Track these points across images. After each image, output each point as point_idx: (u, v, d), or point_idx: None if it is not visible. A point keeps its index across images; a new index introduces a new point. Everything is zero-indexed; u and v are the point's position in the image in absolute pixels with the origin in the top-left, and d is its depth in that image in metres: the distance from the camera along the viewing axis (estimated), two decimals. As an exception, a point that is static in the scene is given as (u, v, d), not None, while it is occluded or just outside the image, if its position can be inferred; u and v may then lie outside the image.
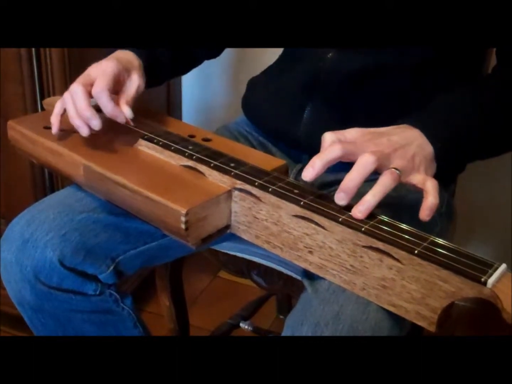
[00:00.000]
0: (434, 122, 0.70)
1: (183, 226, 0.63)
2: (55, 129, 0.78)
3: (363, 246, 0.58)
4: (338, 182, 0.62)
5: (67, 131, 0.79)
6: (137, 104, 0.81)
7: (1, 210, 1.28)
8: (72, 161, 0.75)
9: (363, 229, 0.58)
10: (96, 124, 0.74)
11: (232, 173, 0.68)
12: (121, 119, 0.76)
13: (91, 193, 0.78)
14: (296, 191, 0.64)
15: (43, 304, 0.79)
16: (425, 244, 0.56)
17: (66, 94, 0.76)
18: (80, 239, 0.76)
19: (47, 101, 0.96)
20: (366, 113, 0.84)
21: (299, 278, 0.84)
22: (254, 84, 0.99)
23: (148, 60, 0.84)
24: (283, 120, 0.89)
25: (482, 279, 0.52)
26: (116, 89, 0.77)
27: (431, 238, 0.57)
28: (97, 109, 0.76)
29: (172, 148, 0.74)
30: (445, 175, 0.75)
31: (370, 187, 0.60)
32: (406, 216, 0.64)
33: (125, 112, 0.77)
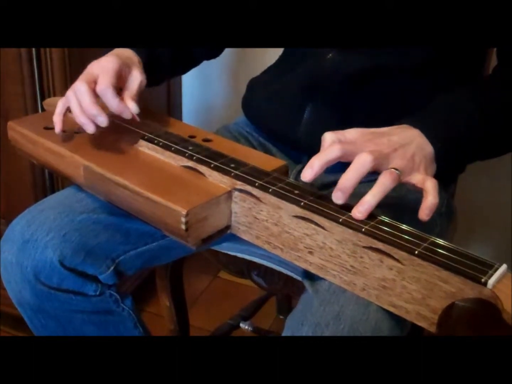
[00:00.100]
0: (434, 122, 0.70)
1: (183, 226, 0.63)
2: (58, 128, 0.78)
3: (364, 247, 0.58)
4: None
5: (68, 132, 0.79)
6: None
7: (1, 211, 1.28)
8: (72, 161, 0.75)
9: (363, 229, 0.58)
10: (103, 120, 0.73)
11: (232, 174, 0.68)
12: (127, 115, 0.76)
13: (92, 194, 0.78)
14: (296, 191, 0.64)
15: (43, 304, 0.79)
16: (425, 244, 0.56)
17: (69, 93, 0.76)
18: (80, 239, 0.76)
19: (47, 101, 0.97)
20: (366, 114, 0.84)
21: (299, 278, 0.84)
22: (254, 84, 0.99)
23: (147, 59, 0.84)
24: (283, 121, 0.89)
25: (483, 280, 0.52)
26: (118, 85, 0.77)
27: (432, 239, 0.57)
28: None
29: (173, 148, 0.74)
30: (445, 175, 0.75)
31: (370, 187, 0.60)
32: (406, 216, 0.64)
33: (131, 107, 0.76)
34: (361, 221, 0.59)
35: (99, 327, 0.84)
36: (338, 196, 0.60)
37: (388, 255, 0.57)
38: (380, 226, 0.58)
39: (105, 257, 0.78)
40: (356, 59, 0.82)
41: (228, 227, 0.69)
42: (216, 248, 0.93)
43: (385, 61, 0.81)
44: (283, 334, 0.67)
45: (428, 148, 0.67)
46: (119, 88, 0.78)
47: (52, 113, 0.79)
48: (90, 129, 0.74)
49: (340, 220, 0.59)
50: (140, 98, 0.80)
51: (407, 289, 0.57)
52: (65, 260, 0.75)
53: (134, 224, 0.79)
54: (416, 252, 0.55)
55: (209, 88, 1.56)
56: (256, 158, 0.74)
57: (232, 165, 0.69)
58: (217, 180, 0.69)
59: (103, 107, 0.75)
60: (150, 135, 0.77)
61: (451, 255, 0.55)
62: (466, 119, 0.71)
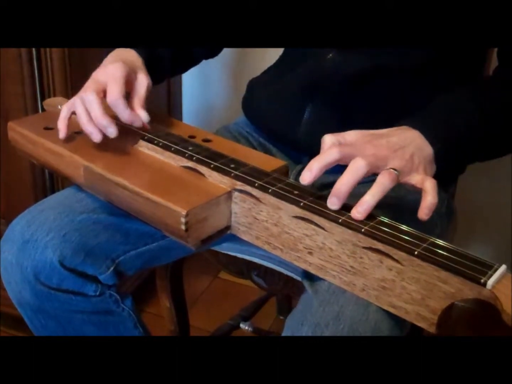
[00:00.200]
0: (434, 122, 0.70)
1: (183, 227, 0.63)
2: (62, 134, 0.77)
3: (363, 247, 0.58)
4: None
5: (69, 133, 0.79)
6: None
7: (1, 211, 1.29)
8: (72, 162, 0.75)
9: (363, 230, 0.58)
10: (113, 131, 0.73)
11: (232, 174, 0.68)
12: (138, 124, 0.76)
13: (91, 194, 0.78)
14: (296, 192, 0.64)
15: (43, 304, 0.79)
16: (425, 245, 0.56)
17: (77, 100, 0.75)
18: (80, 239, 0.76)
19: (47, 101, 0.96)
20: (366, 114, 0.84)
21: (299, 279, 0.84)
22: (254, 84, 0.99)
23: (148, 58, 0.84)
24: (283, 121, 0.89)
25: (482, 280, 0.52)
26: (126, 90, 0.77)
27: (431, 239, 0.57)
28: None
29: (172, 149, 0.74)
30: (445, 175, 0.75)
31: (369, 188, 0.60)
32: (405, 217, 0.64)
33: (142, 116, 0.76)
34: (360, 222, 0.59)
35: (99, 328, 0.84)
36: (333, 202, 0.60)
37: (388, 256, 0.57)
38: (379, 226, 0.58)
39: (105, 258, 0.78)
40: (356, 59, 0.82)
41: (228, 227, 0.69)
42: (216, 248, 0.93)
43: (385, 61, 0.81)
44: (283, 335, 0.68)
45: (428, 149, 0.67)
46: (127, 93, 0.78)
47: (52, 113, 0.79)
48: (97, 138, 0.74)
49: (340, 220, 0.59)
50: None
51: (406, 290, 0.57)
52: (65, 260, 0.75)
53: (134, 224, 0.79)
54: (416, 252, 0.55)
55: (209, 88, 1.56)
56: (256, 158, 0.74)
57: (232, 166, 0.69)
58: (217, 180, 0.69)
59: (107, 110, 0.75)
60: (150, 136, 0.77)
61: (451, 256, 0.55)
62: (466, 119, 0.71)
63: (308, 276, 0.70)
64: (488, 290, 0.52)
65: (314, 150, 0.65)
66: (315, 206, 0.61)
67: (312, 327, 0.64)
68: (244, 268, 0.94)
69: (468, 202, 1.32)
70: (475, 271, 0.53)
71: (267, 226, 0.66)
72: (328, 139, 0.64)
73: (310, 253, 0.63)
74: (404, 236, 0.57)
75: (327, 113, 0.85)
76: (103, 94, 0.75)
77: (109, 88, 0.74)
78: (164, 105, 1.50)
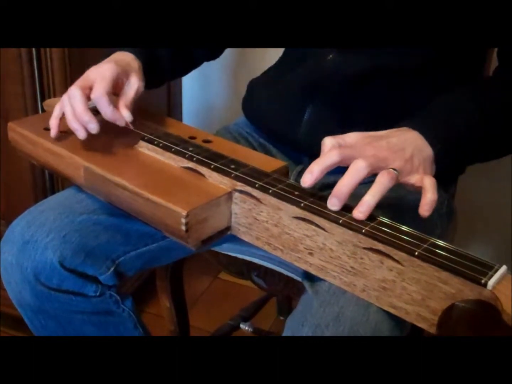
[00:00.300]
0: (434, 123, 0.70)
1: (183, 227, 0.63)
2: (53, 132, 0.78)
3: (364, 248, 0.58)
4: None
5: (68, 133, 0.79)
6: (137, 106, 0.81)
7: (1, 211, 1.28)
8: (72, 162, 0.75)
9: (363, 230, 0.58)
10: (93, 127, 0.74)
11: (233, 175, 0.68)
12: (120, 123, 0.77)
13: (92, 195, 0.78)
14: (296, 192, 0.64)
15: (43, 305, 0.79)
16: (425, 245, 0.56)
17: (64, 97, 0.76)
18: (80, 240, 0.76)
19: (47, 102, 0.97)
20: (367, 114, 0.84)
21: (299, 279, 0.84)
22: (254, 85, 0.99)
23: (147, 61, 0.84)
24: (283, 122, 0.89)
25: (482, 281, 0.52)
26: (115, 91, 0.77)
27: (432, 240, 0.57)
28: (96, 111, 0.76)
29: (173, 149, 0.74)
30: (445, 176, 0.75)
31: (369, 188, 0.60)
32: (406, 217, 0.64)
33: (125, 115, 0.77)
34: (361, 222, 0.59)
35: (99, 328, 0.84)
36: (333, 203, 0.60)
37: (388, 256, 0.57)
38: (380, 227, 0.58)
39: (105, 258, 0.78)
40: (356, 59, 0.82)
41: (228, 228, 0.69)
42: (217, 249, 0.93)
43: (385, 62, 0.81)
44: (283, 335, 0.67)
45: (428, 150, 0.67)
46: (116, 95, 0.78)
47: (52, 114, 0.79)
48: (81, 135, 0.75)
49: (340, 221, 0.59)
50: (138, 102, 0.80)
51: (407, 290, 0.57)
52: (65, 261, 0.75)
53: (134, 225, 0.79)
54: (416, 253, 0.55)
55: (209, 89, 1.56)
56: (256, 159, 0.74)
57: (232, 166, 0.69)
58: (217, 181, 0.69)
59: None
60: (150, 136, 0.77)
61: (451, 256, 0.55)
62: (466, 119, 0.71)
63: (309, 276, 0.70)
64: (488, 290, 0.52)
65: (314, 150, 0.65)
66: (316, 207, 0.61)
67: (313, 328, 0.64)
68: (244, 269, 0.94)
69: (468, 202, 1.32)
70: (476, 271, 0.53)
71: (267, 226, 0.66)
72: (328, 142, 0.64)
73: (310, 253, 0.63)
74: (404, 237, 0.57)
75: (327, 114, 0.85)
76: (89, 91, 0.75)
77: (95, 85, 0.75)
78: (164, 105, 1.50)
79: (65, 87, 1.10)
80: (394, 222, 0.59)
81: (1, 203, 1.28)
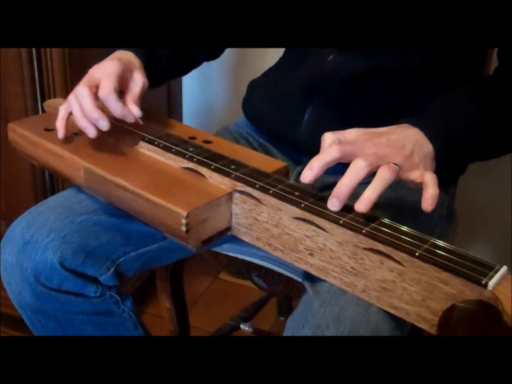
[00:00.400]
0: (434, 122, 0.70)
1: (183, 228, 0.63)
2: (61, 134, 0.78)
3: (364, 248, 0.58)
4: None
5: (68, 133, 0.79)
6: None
7: (1, 212, 1.28)
8: (72, 163, 0.75)
9: (363, 231, 0.58)
10: (104, 124, 0.73)
11: (233, 175, 0.68)
12: (130, 119, 0.76)
13: (92, 195, 0.78)
14: (296, 193, 0.64)
15: (43, 305, 0.79)
16: (426, 246, 0.56)
17: (71, 97, 0.76)
18: (80, 241, 0.76)
19: (47, 103, 0.96)
20: (367, 114, 0.84)
21: (299, 280, 0.84)
22: (254, 85, 0.99)
23: (147, 60, 0.84)
24: (283, 122, 0.89)
25: (483, 281, 0.52)
26: (120, 88, 0.77)
27: (432, 240, 0.57)
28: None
29: (173, 150, 0.74)
30: (445, 176, 0.75)
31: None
32: (406, 218, 0.64)
33: (134, 111, 0.76)
34: (361, 223, 0.59)
35: (99, 328, 0.84)
36: (333, 203, 0.60)
37: (389, 257, 0.57)
38: (380, 227, 0.58)
39: (105, 259, 0.78)
40: (356, 60, 0.82)
41: (228, 228, 0.69)
42: (217, 249, 0.93)
43: (385, 62, 0.81)
44: (284, 336, 0.67)
45: (428, 147, 0.67)
46: (121, 92, 0.78)
47: (52, 114, 0.79)
48: (91, 133, 0.74)
49: (341, 221, 0.59)
50: (142, 100, 0.80)
51: (407, 291, 0.57)
52: (65, 261, 0.75)
53: (134, 225, 0.79)
54: (417, 253, 0.55)
55: (210, 89, 1.56)
56: (256, 159, 0.74)
57: (233, 167, 0.69)
58: (217, 181, 0.69)
59: (104, 109, 0.75)
60: (151, 137, 0.77)
61: (452, 257, 0.55)
62: (466, 119, 0.71)
63: (309, 277, 0.70)
64: (489, 291, 0.52)
65: (314, 150, 0.65)
66: (316, 207, 0.61)
67: (313, 329, 0.64)
68: (245, 269, 0.94)
69: (468, 202, 1.32)
70: (476, 272, 0.53)
71: (267, 227, 0.66)
72: (328, 137, 0.64)
73: (311, 254, 0.63)
74: (404, 237, 0.57)
75: (327, 114, 0.85)
76: (96, 89, 0.75)
77: (102, 83, 0.74)
78: (164, 105, 1.50)
79: (65, 87, 1.10)
80: (394, 223, 0.59)
81: (1, 203, 1.28)
